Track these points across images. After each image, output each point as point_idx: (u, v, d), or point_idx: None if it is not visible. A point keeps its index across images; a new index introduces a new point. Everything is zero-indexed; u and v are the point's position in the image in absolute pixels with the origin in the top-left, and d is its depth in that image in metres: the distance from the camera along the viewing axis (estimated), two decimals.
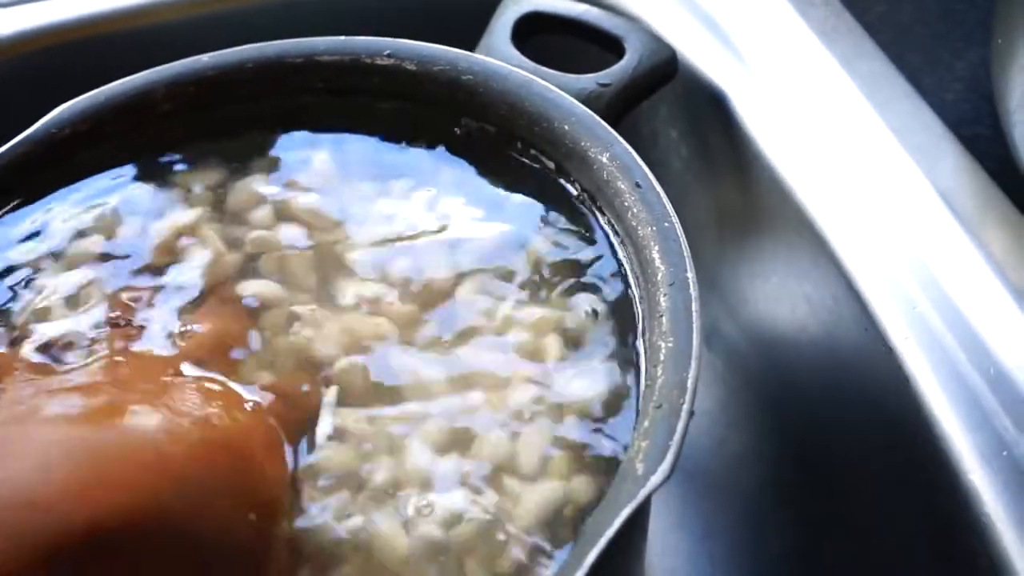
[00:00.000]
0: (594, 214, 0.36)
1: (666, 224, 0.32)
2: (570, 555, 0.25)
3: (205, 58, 0.40)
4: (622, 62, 0.41)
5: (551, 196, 0.37)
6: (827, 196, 0.39)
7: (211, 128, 0.40)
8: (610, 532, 0.24)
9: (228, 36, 0.41)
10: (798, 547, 0.42)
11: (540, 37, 0.44)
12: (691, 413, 0.27)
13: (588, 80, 0.40)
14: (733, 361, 0.47)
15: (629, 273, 0.34)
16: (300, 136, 0.41)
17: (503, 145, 0.38)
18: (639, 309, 0.33)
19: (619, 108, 0.40)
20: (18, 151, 0.37)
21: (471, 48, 0.41)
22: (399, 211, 0.38)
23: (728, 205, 0.45)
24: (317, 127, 0.41)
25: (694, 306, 0.29)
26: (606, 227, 0.36)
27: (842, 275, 0.37)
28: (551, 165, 0.38)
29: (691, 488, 0.45)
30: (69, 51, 0.46)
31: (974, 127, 0.46)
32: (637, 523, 0.29)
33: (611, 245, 0.35)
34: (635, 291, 0.33)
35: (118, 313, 0.33)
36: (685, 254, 0.31)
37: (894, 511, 0.38)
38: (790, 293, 0.42)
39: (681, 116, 0.47)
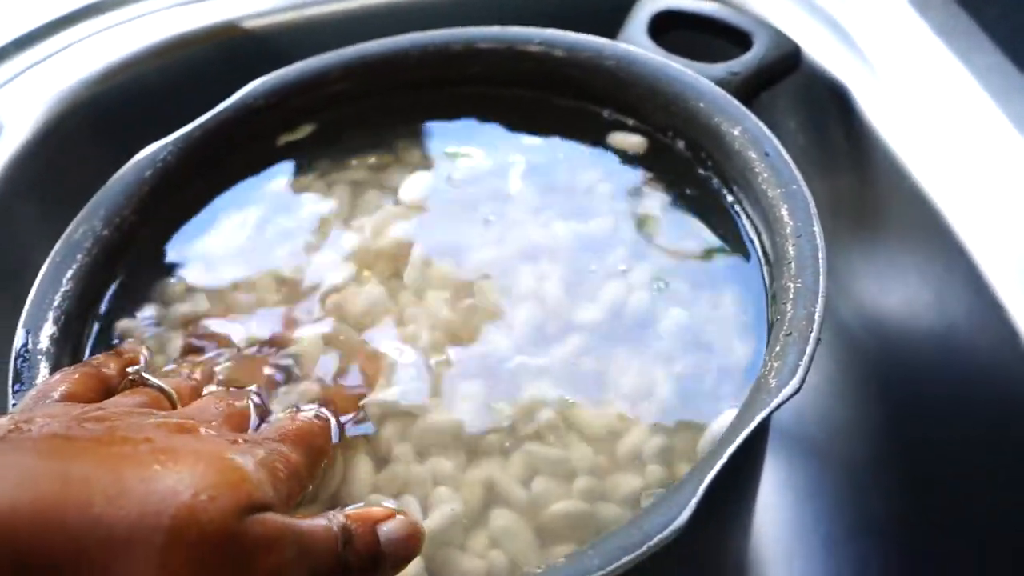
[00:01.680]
0: (723, 185, 0.40)
1: (793, 187, 0.36)
2: (712, 449, 0.28)
3: (374, 44, 0.46)
4: (749, 54, 0.45)
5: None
6: (942, 178, 0.42)
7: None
8: (747, 431, 0.28)
9: (396, 26, 0.47)
10: (900, 509, 0.44)
11: (670, 34, 0.48)
12: (818, 340, 0.30)
13: (719, 69, 0.44)
14: (841, 337, 0.50)
15: (752, 231, 0.38)
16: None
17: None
18: (765, 259, 0.36)
19: (746, 95, 0.43)
20: (220, 118, 0.43)
21: None
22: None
23: (843, 191, 0.48)
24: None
25: (820, 254, 0.33)
26: (733, 193, 0.40)
27: (958, 251, 0.40)
28: (682, 143, 0.42)
29: (797, 453, 0.48)
30: (255, 39, 0.52)
31: None
32: (760, 441, 0.32)
33: (735, 211, 0.39)
34: (759, 247, 0.37)
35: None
36: (812, 211, 0.34)
37: (1000, 480, 0.40)
38: (902, 271, 0.45)
39: (800, 108, 0.50)
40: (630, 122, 0.43)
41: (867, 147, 0.46)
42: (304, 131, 0.46)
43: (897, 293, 0.47)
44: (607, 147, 0.43)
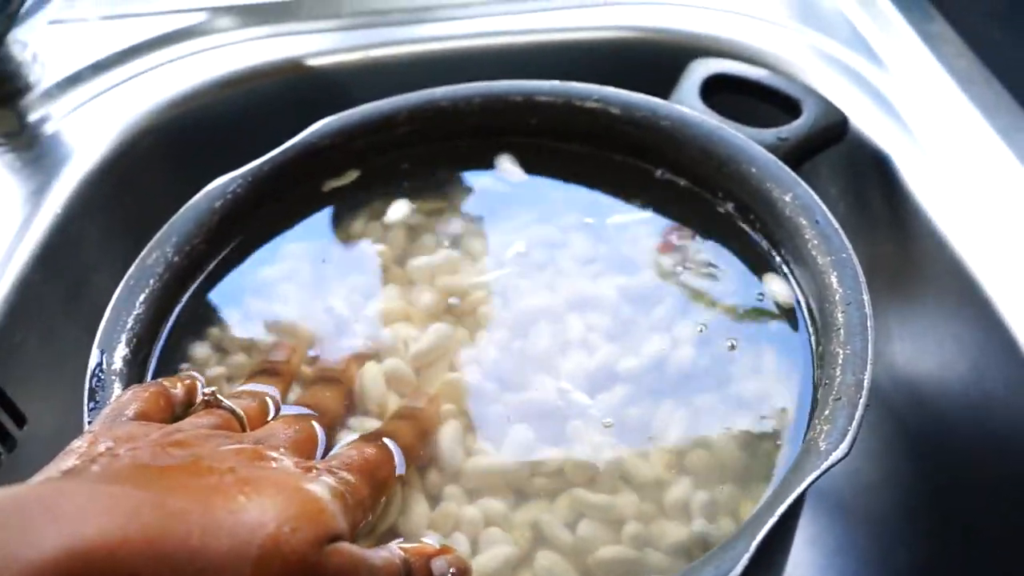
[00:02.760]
0: (771, 248, 0.42)
1: (843, 255, 0.37)
2: (763, 504, 0.30)
3: (440, 90, 0.48)
4: (799, 121, 0.46)
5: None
6: (982, 249, 0.43)
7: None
8: (798, 490, 0.29)
9: (454, 76, 0.49)
10: (926, 568, 0.45)
11: (719, 96, 0.49)
12: (867, 406, 0.31)
13: (769, 134, 0.45)
14: (873, 397, 0.51)
15: (800, 296, 0.39)
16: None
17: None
18: (812, 325, 0.38)
19: (794, 161, 0.45)
20: (288, 155, 0.45)
21: None
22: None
23: (881, 257, 0.50)
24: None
25: (869, 322, 0.34)
26: (780, 256, 0.41)
27: (996, 321, 0.41)
28: (731, 205, 0.44)
29: (824, 510, 0.49)
30: (318, 77, 0.54)
31: None
32: (802, 500, 0.33)
33: (781, 273, 0.41)
34: (806, 311, 0.39)
35: None
36: (861, 280, 0.36)
37: None
38: (938, 337, 0.46)
39: (842, 176, 0.52)
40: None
41: (908, 216, 0.47)
42: (364, 172, 0.47)
43: (932, 357, 0.48)
44: (655, 205, 0.45)
